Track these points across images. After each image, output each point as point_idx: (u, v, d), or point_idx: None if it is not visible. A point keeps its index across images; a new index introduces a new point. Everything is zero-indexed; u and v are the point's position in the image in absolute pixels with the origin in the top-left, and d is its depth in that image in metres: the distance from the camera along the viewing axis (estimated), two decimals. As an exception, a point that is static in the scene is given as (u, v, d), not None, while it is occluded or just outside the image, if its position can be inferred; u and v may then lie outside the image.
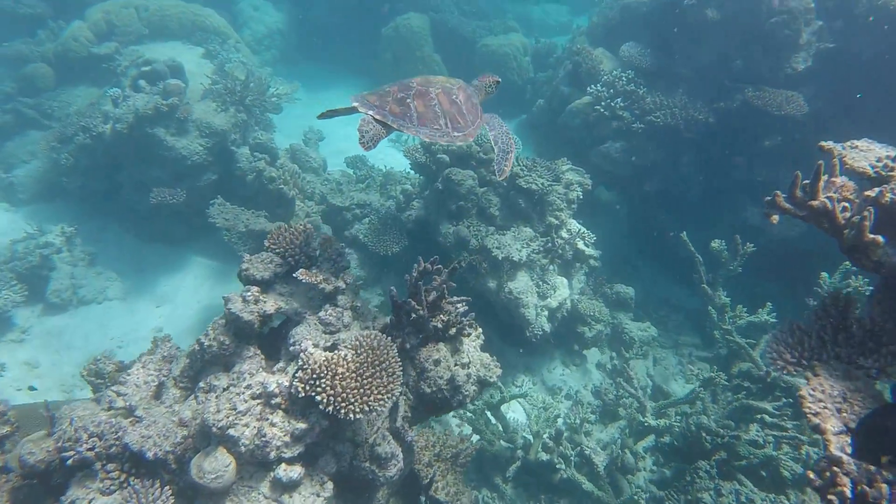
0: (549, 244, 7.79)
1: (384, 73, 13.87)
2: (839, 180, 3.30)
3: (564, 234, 8.05)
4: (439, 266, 4.23)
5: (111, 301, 8.03)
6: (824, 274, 7.09)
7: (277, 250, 4.40)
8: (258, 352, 3.99)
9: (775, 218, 3.30)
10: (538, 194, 7.77)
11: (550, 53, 13.88)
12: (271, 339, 4.30)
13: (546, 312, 7.77)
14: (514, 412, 7.56)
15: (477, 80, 4.45)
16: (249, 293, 4.01)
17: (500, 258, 7.40)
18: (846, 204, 3.30)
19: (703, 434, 6.65)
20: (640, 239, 10.28)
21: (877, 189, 3.13)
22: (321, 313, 4.12)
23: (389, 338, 4.05)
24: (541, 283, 7.80)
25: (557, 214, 7.93)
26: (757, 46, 8.47)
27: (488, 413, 7.15)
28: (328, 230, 8.23)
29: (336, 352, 3.77)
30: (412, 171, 8.64)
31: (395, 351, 3.96)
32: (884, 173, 3.38)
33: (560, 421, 7.51)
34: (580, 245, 8.15)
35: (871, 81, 8.09)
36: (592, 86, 9.33)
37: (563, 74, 10.32)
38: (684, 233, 7.91)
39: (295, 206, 7.75)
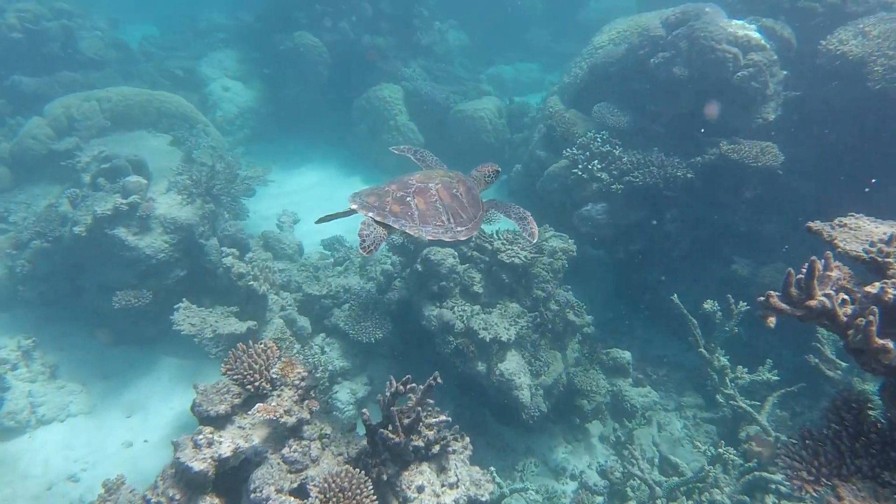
0: (539, 319, 7.46)
1: (360, 144, 13.84)
2: (835, 274, 3.02)
3: (553, 306, 7.74)
4: (413, 385, 3.88)
5: (75, 417, 7.53)
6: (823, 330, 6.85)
7: (235, 377, 4.03)
8: (215, 502, 3.58)
9: (772, 320, 3.00)
10: (522, 267, 7.49)
11: (525, 113, 13.90)
12: (233, 480, 3.89)
13: (541, 391, 7.37)
14: (518, 501, 7.08)
15: (475, 171, 4.39)
16: (202, 436, 3.62)
17: (487, 340, 7.05)
18: (845, 297, 3.01)
19: (719, 513, 6.27)
20: (630, 296, 9.99)
21: (878, 285, 2.84)
22: (285, 451, 3.73)
23: (363, 471, 3.66)
24: (533, 360, 7.43)
25: (544, 287, 7.63)
26: (727, 100, 8.40)
27: (488, 509, 6.66)
28: (306, 322, 7.86)
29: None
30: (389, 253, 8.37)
31: (370, 488, 3.57)
32: (880, 259, 3.11)
33: (566, 507, 7.06)
34: (570, 316, 7.83)
35: (842, 127, 8.02)
36: (568, 149, 9.20)
37: (537, 138, 10.23)
38: (675, 295, 7.62)
39: (268, 301, 7.40)
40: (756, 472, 6.41)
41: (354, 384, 8.04)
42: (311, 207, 12.06)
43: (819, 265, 2.96)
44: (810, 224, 3.59)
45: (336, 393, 7.91)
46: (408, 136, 13.19)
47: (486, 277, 7.64)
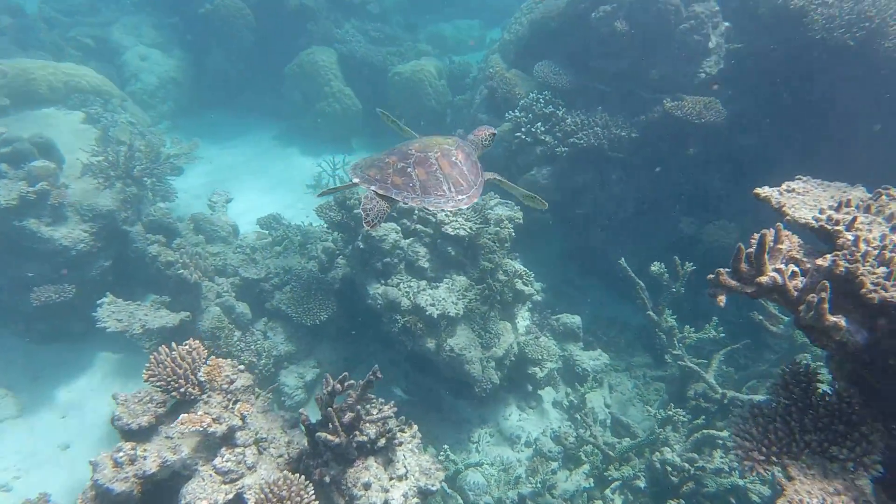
0: (487, 290, 7.29)
1: (294, 113, 13.16)
2: (784, 245, 2.89)
3: (501, 276, 7.57)
4: (351, 382, 3.62)
5: (3, 422, 7.01)
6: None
7: (158, 383, 3.69)
8: (141, 526, 3.29)
9: (722, 299, 2.86)
10: (468, 239, 7.27)
11: (466, 74, 13.48)
12: (164, 495, 3.59)
13: (493, 363, 7.26)
14: (474, 474, 7.03)
15: (472, 135, 4.33)
16: (122, 453, 3.30)
17: (435, 316, 6.85)
18: (795, 269, 2.89)
19: (670, 469, 6.36)
20: (580, 259, 9.95)
21: (829, 258, 2.72)
22: (217, 461, 3.45)
23: (304, 475, 3.42)
24: (483, 333, 7.29)
25: (491, 257, 7.44)
26: (670, 54, 8.26)
27: (444, 486, 6.58)
28: (245, 308, 7.47)
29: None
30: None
31: (311, 493, 3.34)
32: (829, 228, 2.99)
33: (522, 475, 7.05)
34: (519, 285, 7.69)
35: (784, 78, 7.99)
36: (510, 112, 8.92)
37: (479, 101, 9.90)
38: (622, 259, 7.58)
39: (202, 289, 6.96)
40: (704, 431, 6.50)
41: (302, 368, 7.75)
42: (246, 184, 11.46)
43: (769, 238, 2.82)
44: (758, 190, 3.46)
45: (283, 378, 7.62)
46: (344, 102, 12.63)
47: (431, 251, 7.39)
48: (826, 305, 2.51)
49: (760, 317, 6.91)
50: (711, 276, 2.87)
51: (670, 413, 6.58)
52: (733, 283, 2.84)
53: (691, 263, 7.34)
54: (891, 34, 7.02)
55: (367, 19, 14.50)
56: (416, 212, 7.53)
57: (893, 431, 2.80)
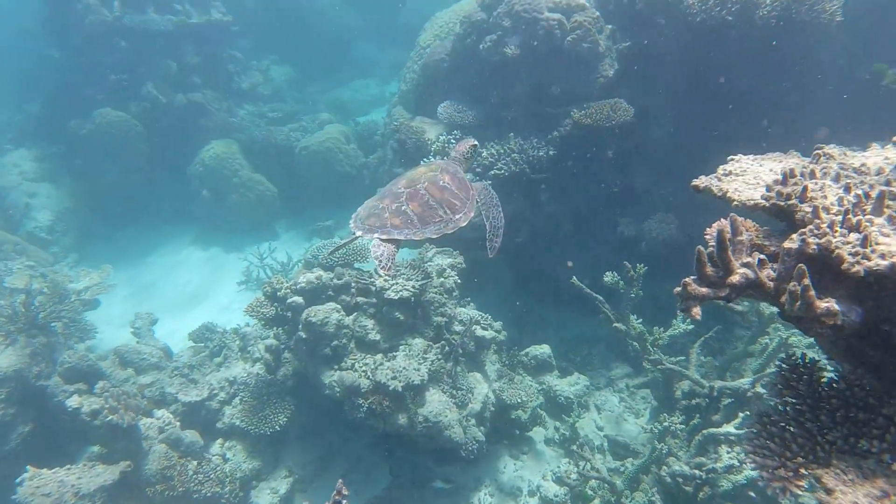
0: (447, 346, 6.86)
1: (207, 212, 12.54)
2: (745, 235, 2.62)
3: (458, 327, 7.18)
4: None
5: None
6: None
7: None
8: None
9: (696, 311, 2.54)
10: (413, 299, 6.86)
11: (373, 132, 13.32)
12: None
13: (473, 420, 6.78)
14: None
15: (454, 152, 4.51)
16: None
17: (400, 389, 6.34)
18: (762, 256, 2.61)
19: (681, 481, 6.04)
20: (531, 287, 9.69)
21: (796, 238, 2.45)
22: None
23: None
24: (454, 391, 6.82)
25: (443, 311, 7.06)
26: (565, 66, 8.26)
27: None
28: (195, 435, 6.73)
29: None
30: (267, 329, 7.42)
31: None
32: (783, 204, 2.75)
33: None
34: (479, 332, 7.31)
35: (677, 65, 8.10)
36: (425, 159, 8.68)
37: (391, 156, 9.66)
38: (574, 278, 7.34)
39: (140, 430, 6.22)
40: (704, 431, 6.20)
41: (273, 482, 7.05)
42: (171, 298, 10.73)
43: (726, 230, 2.54)
44: (695, 183, 3.23)
45: (255, 499, 6.89)
46: (257, 189, 12.17)
47: (379, 321, 6.93)
48: (812, 293, 2.23)
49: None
50: (678, 289, 2.56)
51: (666, 424, 6.26)
52: (703, 290, 2.53)
53: (642, 265, 7.17)
54: (760, 3, 7.19)
55: (262, 101, 14.22)
56: (353, 285, 7.09)
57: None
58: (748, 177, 3.19)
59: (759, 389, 6.38)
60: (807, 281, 2.25)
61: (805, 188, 2.70)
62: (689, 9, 7.46)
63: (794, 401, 2.70)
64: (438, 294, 7.17)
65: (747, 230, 2.72)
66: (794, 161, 3.33)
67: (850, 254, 2.30)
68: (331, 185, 12.47)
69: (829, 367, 2.76)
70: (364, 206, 3.91)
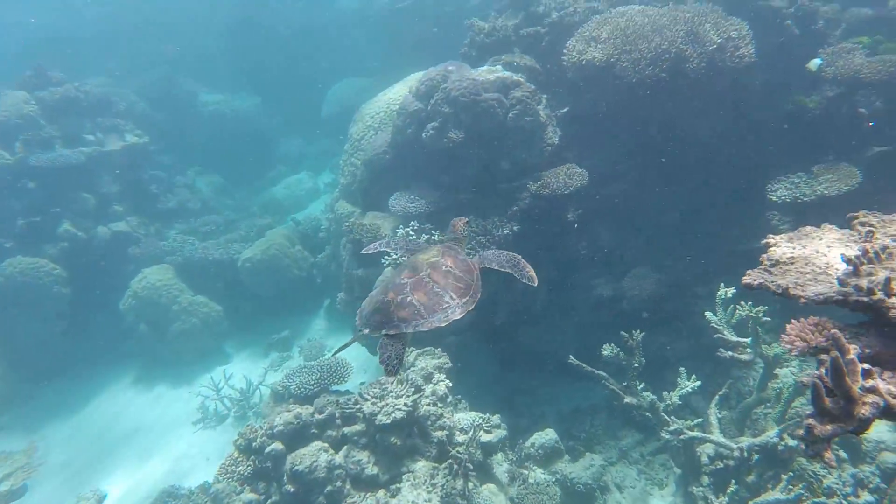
0: (455, 464, 6.19)
1: (148, 346, 11.39)
2: (853, 353, 2.23)
3: (460, 437, 6.54)
4: None
5: None
6: (709, 314, 6.58)
7: None
8: None
9: (829, 456, 2.11)
10: (408, 417, 6.20)
11: (317, 229, 12.77)
12: None
13: (497, 540, 6.08)
14: None
15: (449, 232, 4.44)
16: None
17: (413, 527, 5.60)
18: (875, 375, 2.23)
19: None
20: (517, 366, 9.22)
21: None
22: None
23: None
24: (471, 512, 6.12)
25: (441, 424, 6.42)
26: (512, 141, 8.10)
27: None
28: None
29: None
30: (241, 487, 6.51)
31: None
32: (867, 300, 2.41)
33: None
34: (483, 437, 6.69)
35: (618, 124, 8.11)
36: (385, 257, 8.18)
37: (348, 258, 9.10)
38: (571, 357, 6.91)
39: None
40: (751, 502, 5.76)
41: None
42: (119, 457, 9.41)
43: (838, 357, 2.14)
44: (747, 282, 2.88)
45: None
46: (201, 312, 11.23)
47: (373, 451, 6.21)
48: None
49: (729, 353, 6.44)
50: (801, 432, 2.13)
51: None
52: (829, 428, 2.10)
53: (639, 331, 6.82)
54: (689, 57, 7.33)
55: (192, 216, 13.42)
56: (338, 416, 6.38)
57: None
58: (799, 265, 2.86)
59: (789, 441, 6.05)
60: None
61: (889, 280, 2.36)
62: (622, 72, 7.50)
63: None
64: (432, 405, 6.55)
65: (847, 345, 2.33)
66: (832, 236, 3.04)
67: None
68: (281, 293, 11.71)
69: None
70: (368, 301, 3.80)
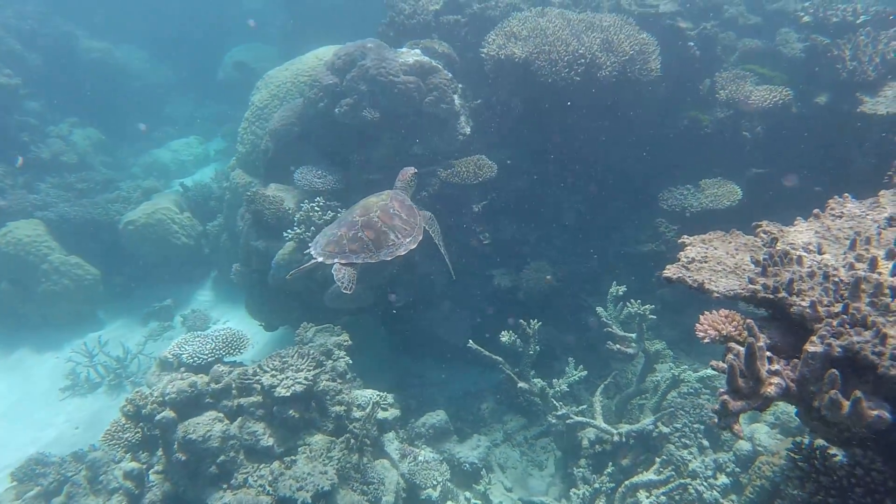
0: (351, 439, 6.20)
1: (10, 310, 10.25)
2: (762, 341, 2.56)
3: (357, 412, 6.56)
4: None
5: None
6: (600, 309, 7.11)
7: None
8: None
9: (738, 428, 2.41)
10: (307, 393, 6.11)
11: (208, 197, 12.08)
12: None
13: (389, 516, 6.18)
14: None
15: (398, 182, 5.08)
16: None
17: (309, 501, 5.55)
18: (775, 359, 2.58)
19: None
20: (409, 348, 9.41)
21: (817, 341, 2.43)
22: None
23: None
24: (366, 487, 6.19)
25: (340, 399, 6.39)
26: (426, 126, 8.16)
27: None
28: None
29: None
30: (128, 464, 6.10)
31: None
32: (772, 297, 2.76)
33: None
34: (380, 413, 6.75)
35: (529, 121, 8.44)
36: (288, 230, 7.95)
37: (246, 229, 8.71)
38: (470, 341, 7.15)
39: None
40: (626, 482, 6.31)
41: None
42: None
43: (754, 342, 2.45)
44: (667, 274, 3.18)
45: None
46: (74, 274, 10.27)
47: (270, 423, 6.06)
48: (864, 403, 2.20)
49: (616, 346, 6.99)
50: (716, 407, 2.41)
51: (597, 486, 6.28)
52: (740, 404, 2.41)
53: (536, 320, 7.18)
54: (602, 65, 7.77)
55: (67, 171, 12.14)
56: (234, 387, 6.15)
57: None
58: (712, 263, 3.21)
59: (663, 429, 6.69)
60: (859, 395, 2.20)
61: (791, 280, 2.73)
62: (539, 70, 7.79)
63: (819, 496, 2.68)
64: (330, 379, 6.49)
65: (759, 334, 2.66)
66: (741, 240, 3.43)
67: (873, 353, 2.32)
68: (166, 261, 11.00)
69: (835, 451, 2.80)
70: (322, 234, 4.33)
